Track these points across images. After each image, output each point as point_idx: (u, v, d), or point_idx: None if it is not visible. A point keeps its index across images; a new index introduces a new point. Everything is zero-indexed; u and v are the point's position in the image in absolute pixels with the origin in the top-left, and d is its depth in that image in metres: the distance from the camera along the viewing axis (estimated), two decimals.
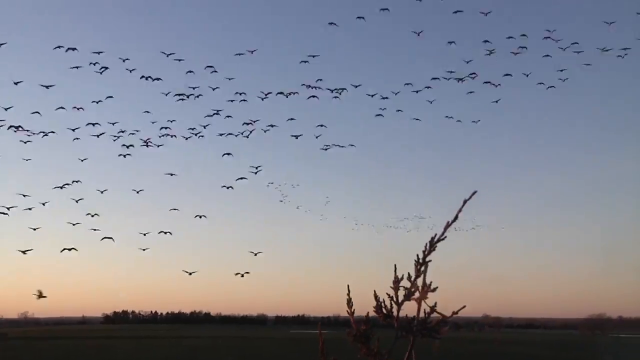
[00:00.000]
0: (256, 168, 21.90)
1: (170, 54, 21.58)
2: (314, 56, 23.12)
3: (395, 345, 1.52)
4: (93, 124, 21.27)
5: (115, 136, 21.85)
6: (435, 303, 1.54)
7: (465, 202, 1.56)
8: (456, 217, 1.57)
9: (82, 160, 26.02)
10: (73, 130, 21.75)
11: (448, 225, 1.57)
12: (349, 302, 1.60)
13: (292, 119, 25.19)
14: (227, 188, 22.38)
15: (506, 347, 51.92)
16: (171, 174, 25.09)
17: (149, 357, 38.37)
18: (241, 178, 22.03)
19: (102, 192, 24.57)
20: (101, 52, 21.95)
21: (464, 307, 1.59)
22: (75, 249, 19.87)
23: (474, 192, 1.57)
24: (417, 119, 30.54)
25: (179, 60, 21.70)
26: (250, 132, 21.48)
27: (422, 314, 1.54)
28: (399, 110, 26.99)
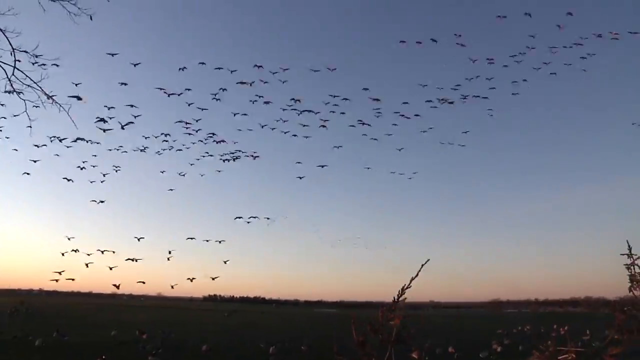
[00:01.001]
0: (283, 216, 27.10)
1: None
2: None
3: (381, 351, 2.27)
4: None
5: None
6: (406, 325, 2.36)
7: (422, 265, 2.64)
8: (417, 274, 2.61)
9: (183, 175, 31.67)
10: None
11: (412, 279, 2.59)
12: (355, 329, 2.45)
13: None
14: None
15: None
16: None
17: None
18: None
19: None
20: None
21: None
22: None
23: (427, 260, 2.66)
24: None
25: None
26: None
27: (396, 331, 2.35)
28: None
